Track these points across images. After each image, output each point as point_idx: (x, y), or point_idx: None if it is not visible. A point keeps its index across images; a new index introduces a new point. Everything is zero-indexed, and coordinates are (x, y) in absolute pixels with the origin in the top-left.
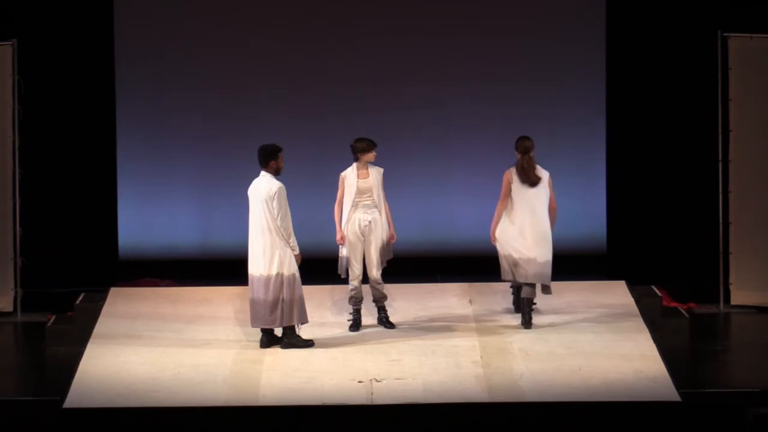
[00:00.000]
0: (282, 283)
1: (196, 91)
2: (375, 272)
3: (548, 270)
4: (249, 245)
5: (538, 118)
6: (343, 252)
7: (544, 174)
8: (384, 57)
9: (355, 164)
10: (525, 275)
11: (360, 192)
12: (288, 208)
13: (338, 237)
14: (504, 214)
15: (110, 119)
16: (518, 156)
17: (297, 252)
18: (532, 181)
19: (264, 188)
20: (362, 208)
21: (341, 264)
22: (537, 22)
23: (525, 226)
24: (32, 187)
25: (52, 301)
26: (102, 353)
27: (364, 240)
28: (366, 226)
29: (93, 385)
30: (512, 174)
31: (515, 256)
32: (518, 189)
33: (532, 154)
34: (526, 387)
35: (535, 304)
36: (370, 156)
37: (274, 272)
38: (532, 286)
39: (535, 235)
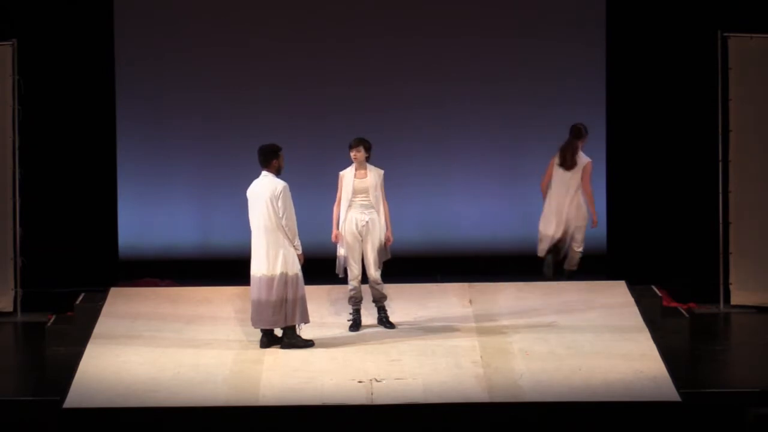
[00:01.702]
0: (286, 282)
1: (196, 91)
2: (374, 272)
3: (566, 246)
4: (252, 246)
5: (538, 118)
6: (341, 251)
7: (582, 161)
8: (384, 57)
9: (354, 163)
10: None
11: (356, 191)
12: (293, 207)
13: (333, 235)
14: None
15: (110, 119)
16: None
17: (300, 252)
18: (567, 164)
19: (268, 187)
20: (359, 208)
21: (339, 263)
22: (537, 22)
23: (555, 206)
24: (32, 187)
25: (52, 301)
26: (102, 353)
27: (362, 240)
28: (363, 226)
29: (93, 385)
30: (557, 155)
31: (549, 233)
32: (557, 170)
33: (580, 141)
34: (526, 387)
35: None
36: (357, 154)
37: (278, 272)
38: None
39: (561, 216)
